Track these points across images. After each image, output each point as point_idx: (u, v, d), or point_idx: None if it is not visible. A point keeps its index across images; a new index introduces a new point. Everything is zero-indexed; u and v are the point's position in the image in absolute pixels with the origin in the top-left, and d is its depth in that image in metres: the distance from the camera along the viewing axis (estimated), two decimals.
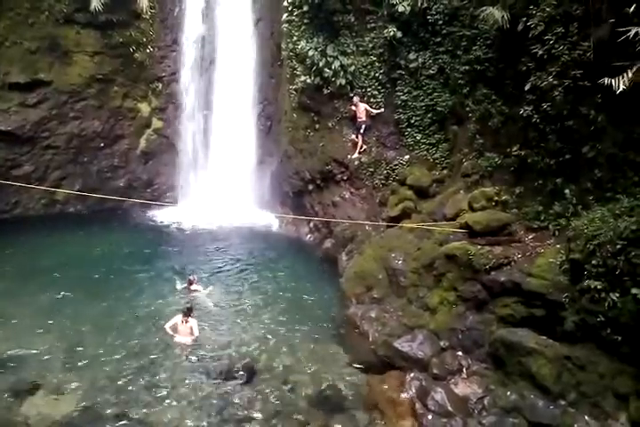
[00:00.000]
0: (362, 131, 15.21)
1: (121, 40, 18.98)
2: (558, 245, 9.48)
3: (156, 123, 20.54)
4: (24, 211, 18.93)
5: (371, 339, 11.09)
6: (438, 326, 10.42)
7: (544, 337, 8.74)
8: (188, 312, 11.38)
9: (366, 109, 15.03)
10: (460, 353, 9.89)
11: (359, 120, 15.15)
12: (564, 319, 8.60)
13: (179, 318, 11.42)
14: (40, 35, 17.85)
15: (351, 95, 15.32)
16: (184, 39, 19.81)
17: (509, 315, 9.49)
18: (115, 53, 19.17)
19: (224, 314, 12.69)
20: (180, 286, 13.59)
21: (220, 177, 19.70)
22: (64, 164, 19.28)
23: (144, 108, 20.27)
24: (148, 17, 19.12)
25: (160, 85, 20.20)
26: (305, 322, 12.29)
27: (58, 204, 19.55)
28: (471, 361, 9.65)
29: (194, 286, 13.38)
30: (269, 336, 11.64)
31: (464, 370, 9.56)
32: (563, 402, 8.15)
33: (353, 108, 15.26)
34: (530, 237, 10.35)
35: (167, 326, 11.46)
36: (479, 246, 10.32)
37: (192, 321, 11.38)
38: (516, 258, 9.84)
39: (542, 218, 10.31)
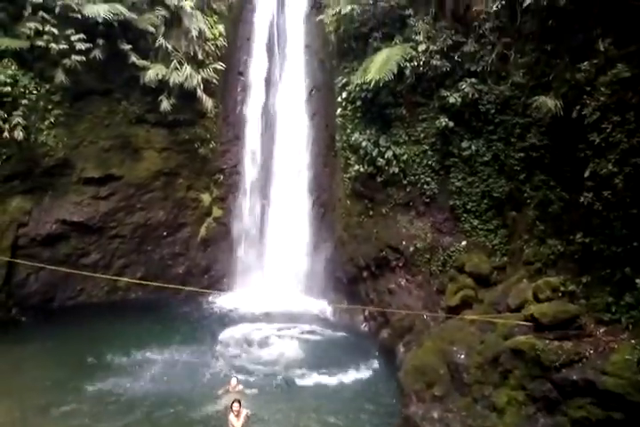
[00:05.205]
0: None
1: (187, 137, 20.05)
2: (633, 341, 8.75)
3: (216, 211, 21.24)
4: (88, 298, 19.40)
5: None
6: None
7: None
8: (238, 403, 11.05)
9: None
10: None
11: None
12: None
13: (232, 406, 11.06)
14: (114, 134, 19.06)
15: (404, 182, 15.44)
16: (245, 135, 21.03)
17: (584, 417, 8.64)
18: (181, 149, 20.24)
19: (277, 408, 12.25)
20: (223, 389, 13.03)
21: (276, 263, 19.90)
22: (128, 252, 19.93)
23: (206, 198, 21.05)
24: (212, 115, 20.36)
25: (221, 177, 21.13)
26: (362, 420, 11.69)
27: (120, 291, 19.99)
28: None
29: (235, 388, 12.85)
30: None
31: None
32: None
33: None
34: (601, 330, 9.61)
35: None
36: (547, 341, 9.64)
37: (244, 411, 11.03)
38: (587, 354, 9.10)
39: (613, 310, 9.61)
